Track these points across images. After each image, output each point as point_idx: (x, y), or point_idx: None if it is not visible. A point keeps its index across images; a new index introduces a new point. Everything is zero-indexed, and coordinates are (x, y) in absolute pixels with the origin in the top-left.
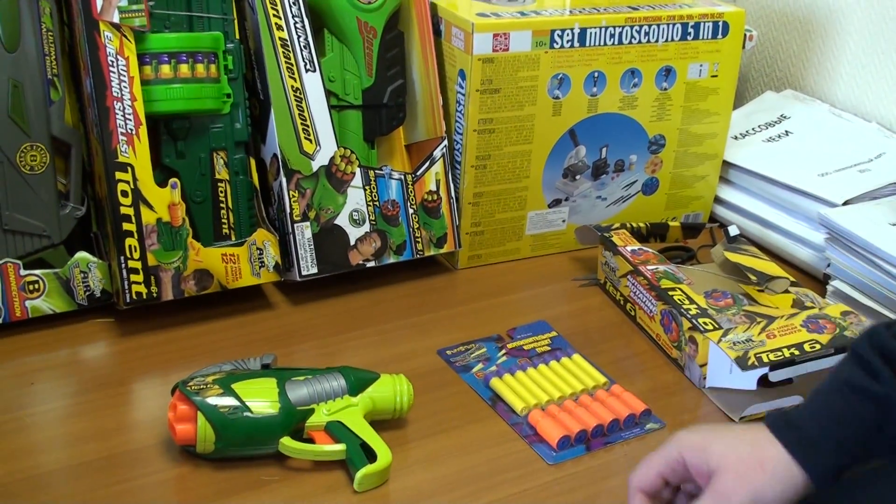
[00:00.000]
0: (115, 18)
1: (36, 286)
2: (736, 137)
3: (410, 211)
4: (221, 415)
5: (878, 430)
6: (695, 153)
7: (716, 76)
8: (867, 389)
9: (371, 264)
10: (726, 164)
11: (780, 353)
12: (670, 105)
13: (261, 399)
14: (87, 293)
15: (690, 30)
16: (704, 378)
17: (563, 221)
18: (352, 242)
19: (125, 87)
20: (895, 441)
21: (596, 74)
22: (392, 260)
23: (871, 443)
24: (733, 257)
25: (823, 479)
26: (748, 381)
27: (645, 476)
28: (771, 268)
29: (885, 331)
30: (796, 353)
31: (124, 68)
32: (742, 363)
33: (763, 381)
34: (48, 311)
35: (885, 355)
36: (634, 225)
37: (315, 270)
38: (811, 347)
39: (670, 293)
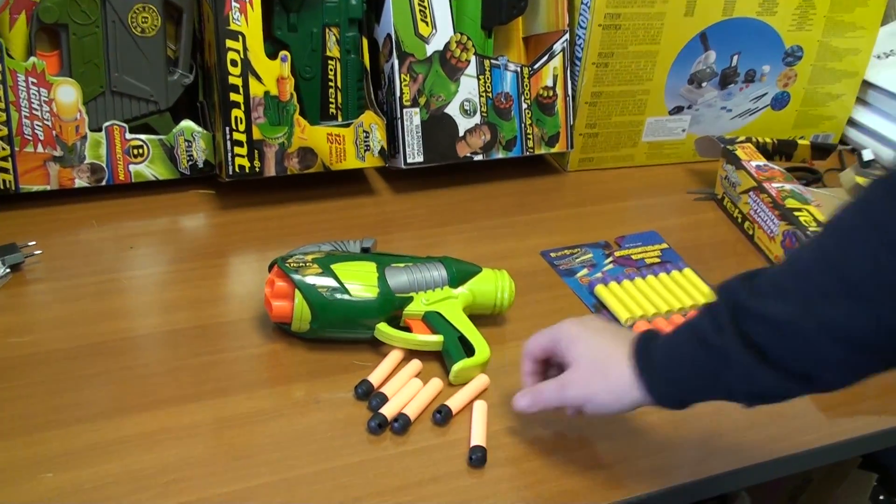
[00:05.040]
0: None
1: (140, 151)
2: (879, 57)
3: (524, 106)
4: (319, 294)
5: (713, 377)
6: (833, 69)
7: None
8: (707, 341)
9: (478, 158)
10: (865, 85)
11: None
12: (813, 14)
13: (360, 282)
14: (190, 163)
15: None
16: None
17: (683, 131)
18: (461, 133)
19: None
20: (731, 388)
21: None
22: (500, 155)
23: (709, 387)
24: (865, 183)
25: (666, 402)
26: None
27: (532, 344)
28: None
29: (739, 283)
30: None
31: None
32: None
33: None
34: (150, 177)
35: (732, 309)
36: (760, 140)
37: (420, 159)
38: None
39: (796, 213)
